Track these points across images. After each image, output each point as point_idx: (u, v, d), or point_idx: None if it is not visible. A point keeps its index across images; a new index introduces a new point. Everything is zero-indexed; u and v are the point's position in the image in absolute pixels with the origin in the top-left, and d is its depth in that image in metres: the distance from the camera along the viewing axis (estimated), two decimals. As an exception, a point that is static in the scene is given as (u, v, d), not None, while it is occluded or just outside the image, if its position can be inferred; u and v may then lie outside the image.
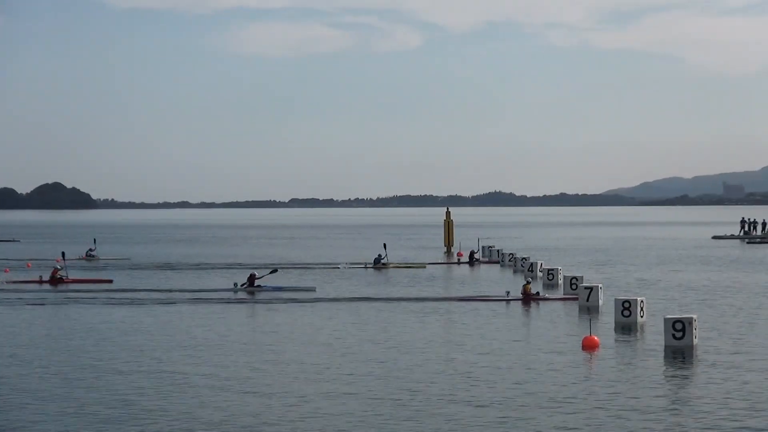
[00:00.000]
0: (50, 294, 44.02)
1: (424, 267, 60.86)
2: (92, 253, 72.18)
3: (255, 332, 30.69)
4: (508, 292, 39.74)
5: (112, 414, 18.87)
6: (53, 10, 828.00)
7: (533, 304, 37.98)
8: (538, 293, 39.51)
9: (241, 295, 42.56)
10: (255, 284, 43.60)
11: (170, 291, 44.70)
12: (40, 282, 49.07)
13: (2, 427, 18.17)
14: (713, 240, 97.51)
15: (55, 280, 48.84)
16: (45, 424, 18.15)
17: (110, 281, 49.97)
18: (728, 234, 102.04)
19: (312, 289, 44.50)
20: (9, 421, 18.55)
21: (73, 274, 52.00)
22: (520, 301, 38.25)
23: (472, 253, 64.88)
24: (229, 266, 62.80)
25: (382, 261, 59.96)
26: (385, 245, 61.77)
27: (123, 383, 21.93)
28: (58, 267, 51.07)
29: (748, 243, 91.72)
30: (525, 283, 39.89)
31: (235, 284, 44.38)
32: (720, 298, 39.85)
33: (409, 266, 61.01)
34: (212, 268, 61.42)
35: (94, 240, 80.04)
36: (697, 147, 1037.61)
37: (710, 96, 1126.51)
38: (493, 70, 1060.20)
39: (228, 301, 40.21)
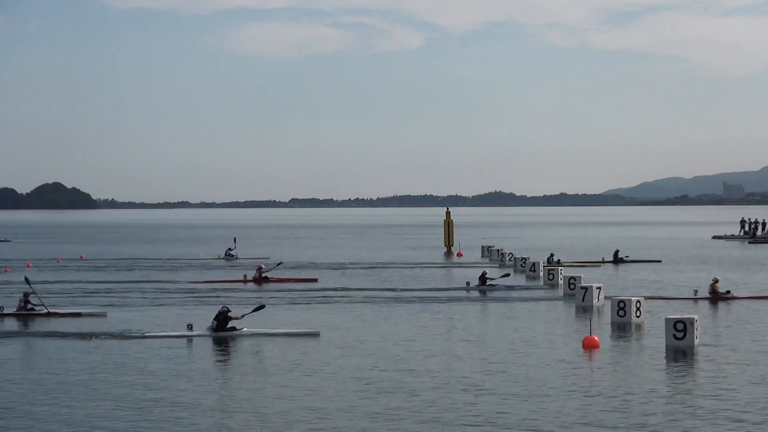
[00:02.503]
0: (256, 294, 43.73)
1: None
2: (231, 252, 71.71)
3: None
4: (696, 291, 39.13)
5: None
6: (53, 10, 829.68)
7: (533, 303, 37.95)
8: (728, 292, 38.63)
9: (473, 293, 42.85)
10: (487, 283, 43.87)
11: (395, 290, 44.47)
12: (245, 281, 49.26)
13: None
14: (713, 240, 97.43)
15: (261, 279, 49.09)
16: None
17: (315, 280, 50.36)
18: (728, 234, 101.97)
19: (542, 288, 44.80)
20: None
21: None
22: (707, 301, 37.42)
23: (617, 253, 64.34)
24: (372, 266, 62.35)
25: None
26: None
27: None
28: (262, 266, 51.46)
29: (749, 243, 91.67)
30: (713, 281, 38.81)
31: (468, 283, 44.67)
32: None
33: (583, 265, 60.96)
34: (362, 268, 61.05)
35: (234, 239, 78.23)
36: (697, 147, 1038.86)
37: (710, 96, 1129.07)
38: (493, 70, 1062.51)
39: (461, 300, 40.12)
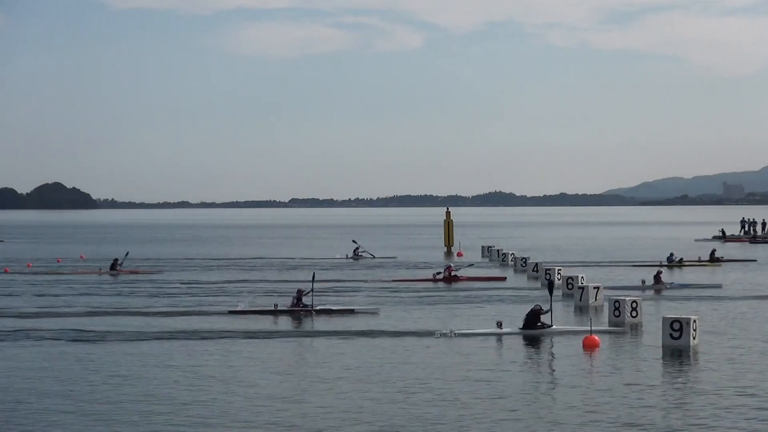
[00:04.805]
0: (447, 292, 43.89)
1: (720, 266, 60.32)
2: (360, 252, 71.94)
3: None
4: None
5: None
6: (53, 10, 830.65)
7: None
8: None
9: (648, 292, 42.94)
10: (660, 281, 44.29)
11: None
12: (435, 280, 49.59)
13: None
14: (713, 240, 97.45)
15: (450, 278, 49.45)
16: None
17: (504, 278, 50.83)
18: (729, 234, 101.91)
19: (718, 286, 45.09)
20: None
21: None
22: None
23: (713, 252, 63.73)
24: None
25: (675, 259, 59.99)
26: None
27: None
28: (452, 265, 51.38)
29: (750, 243, 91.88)
30: None
31: (643, 281, 44.83)
32: (721, 298, 39.96)
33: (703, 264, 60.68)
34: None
35: (354, 241, 77.99)
36: (697, 147, 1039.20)
37: (710, 96, 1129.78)
38: (493, 70, 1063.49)
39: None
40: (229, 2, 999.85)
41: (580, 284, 39.34)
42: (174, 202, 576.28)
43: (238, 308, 35.45)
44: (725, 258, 63.95)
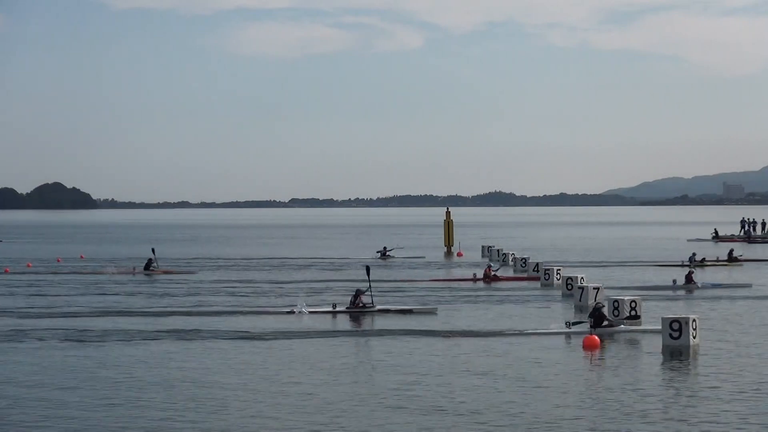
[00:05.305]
0: (486, 292, 43.87)
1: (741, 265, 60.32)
2: (388, 252, 72.10)
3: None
4: None
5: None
6: (53, 10, 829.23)
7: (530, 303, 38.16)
8: None
9: (679, 291, 43.15)
10: (692, 281, 44.52)
11: (614, 288, 44.47)
12: (474, 280, 49.73)
13: None
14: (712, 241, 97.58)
15: (489, 278, 49.65)
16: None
17: (539, 279, 50.61)
18: (729, 234, 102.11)
19: (748, 286, 45.12)
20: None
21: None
22: None
23: (731, 252, 63.47)
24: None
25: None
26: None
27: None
28: (491, 265, 51.35)
29: (750, 243, 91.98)
30: None
31: (674, 281, 44.96)
32: (721, 298, 40.00)
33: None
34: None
35: (392, 243, 77.97)
36: (697, 147, 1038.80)
37: (710, 96, 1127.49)
38: (493, 70, 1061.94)
39: (669, 298, 40.22)
40: (229, 2, 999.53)
41: (580, 284, 39.35)
42: (174, 202, 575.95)
43: (296, 310, 34.88)
44: (743, 257, 63.88)
